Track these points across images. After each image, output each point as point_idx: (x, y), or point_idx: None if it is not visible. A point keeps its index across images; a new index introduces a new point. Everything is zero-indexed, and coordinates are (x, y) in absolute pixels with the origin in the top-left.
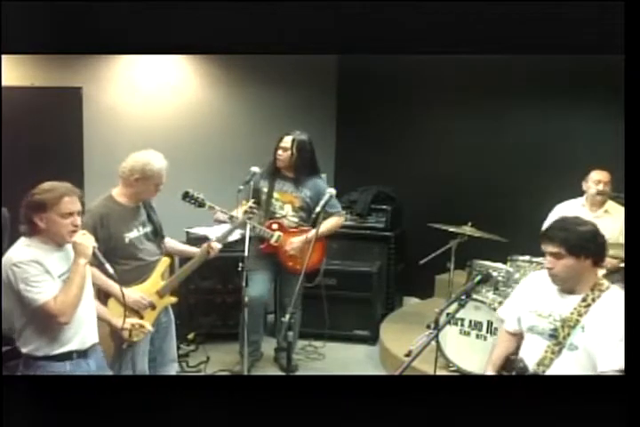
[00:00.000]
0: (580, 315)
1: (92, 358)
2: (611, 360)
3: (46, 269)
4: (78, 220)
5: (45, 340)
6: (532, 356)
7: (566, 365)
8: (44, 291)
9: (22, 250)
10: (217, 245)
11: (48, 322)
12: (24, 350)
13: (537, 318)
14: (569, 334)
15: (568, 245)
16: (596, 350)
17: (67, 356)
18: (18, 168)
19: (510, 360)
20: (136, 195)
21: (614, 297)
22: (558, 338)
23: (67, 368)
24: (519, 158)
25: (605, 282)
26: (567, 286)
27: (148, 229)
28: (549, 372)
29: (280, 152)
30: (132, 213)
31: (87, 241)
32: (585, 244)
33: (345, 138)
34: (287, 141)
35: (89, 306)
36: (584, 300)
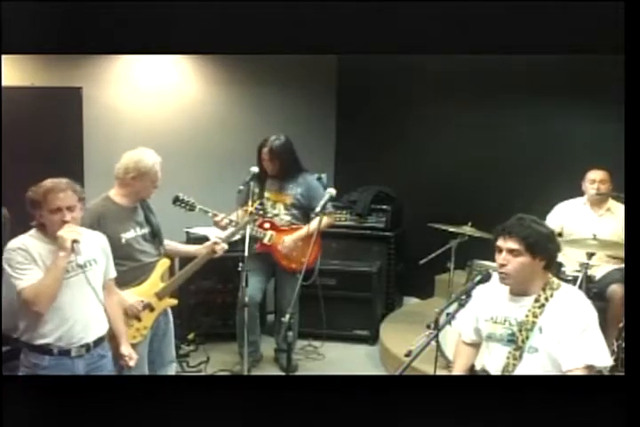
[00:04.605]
0: (535, 316)
1: (82, 358)
2: (574, 358)
3: (33, 258)
4: (68, 215)
5: (26, 326)
6: (494, 364)
7: (528, 369)
8: (24, 278)
9: (20, 238)
10: (224, 246)
11: (27, 309)
12: (15, 335)
13: (493, 326)
14: (527, 338)
15: (528, 243)
16: (557, 350)
17: (46, 350)
18: (18, 168)
19: (473, 371)
20: (134, 194)
21: (567, 294)
22: (517, 342)
23: (45, 363)
24: (519, 158)
25: (556, 280)
26: (517, 286)
27: (146, 230)
28: None
29: (264, 164)
30: (128, 213)
31: (67, 234)
32: (544, 244)
33: (345, 138)
34: (265, 153)
35: (83, 306)
36: (537, 300)
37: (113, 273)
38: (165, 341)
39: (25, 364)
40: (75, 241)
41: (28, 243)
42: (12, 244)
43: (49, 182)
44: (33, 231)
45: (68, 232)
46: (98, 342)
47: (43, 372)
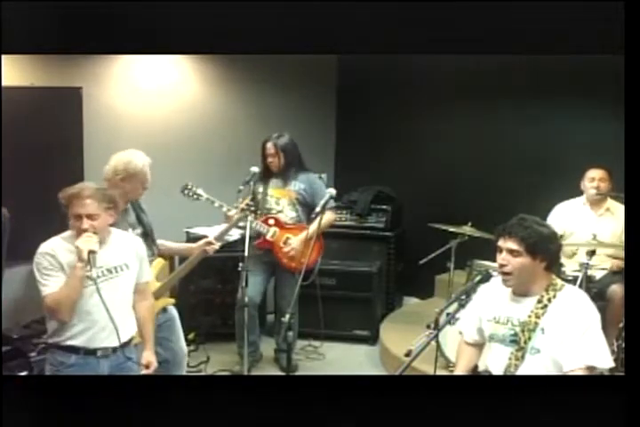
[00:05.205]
0: (537, 317)
1: (107, 359)
2: (575, 358)
3: (60, 264)
4: (86, 223)
5: (55, 329)
6: (497, 364)
7: (530, 370)
8: (49, 284)
9: (51, 241)
10: (216, 245)
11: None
12: (45, 336)
13: (495, 326)
14: (530, 338)
15: (528, 244)
16: (559, 351)
17: (73, 349)
18: (18, 168)
19: (476, 372)
20: (123, 195)
21: (570, 295)
22: (520, 343)
23: (72, 361)
24: (519, 158)
25: (559, 281)
26: (518, 286)
27: (139, 230)
28: None
29: (269, 160)
30: (120, 214)
31: (83, 244)
32: (545, 245)
33: (345, 138)
34: (270, 148)
35: (112, 311)
36: (540, 301)
37: (147, 277)
38: (173, 338)
39: (51, 362)
40: (91, 252)
41: (56, 248)
42: (42, 248)
43: (76, 187)
44: (68, 233)
45: (84, 242)
46: (124, 344)
47: (68, 370)
